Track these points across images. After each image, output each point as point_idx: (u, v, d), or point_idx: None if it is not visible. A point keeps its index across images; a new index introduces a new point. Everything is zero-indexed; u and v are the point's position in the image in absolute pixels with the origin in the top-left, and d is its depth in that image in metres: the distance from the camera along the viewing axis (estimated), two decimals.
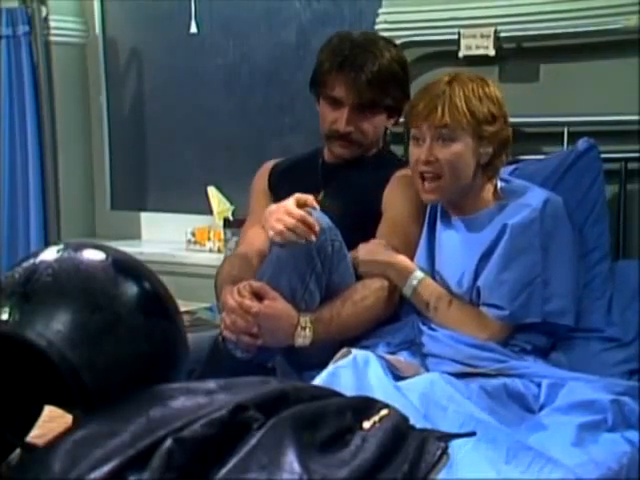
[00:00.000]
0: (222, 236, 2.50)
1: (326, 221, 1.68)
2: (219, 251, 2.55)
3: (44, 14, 2.68)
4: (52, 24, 2.71)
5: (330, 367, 1.43)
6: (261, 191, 2.07)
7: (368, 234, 1.86)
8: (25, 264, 1.10)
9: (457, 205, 1.80)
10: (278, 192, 1.95)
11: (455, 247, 1.78)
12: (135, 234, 2.82)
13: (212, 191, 2.60)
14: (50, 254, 1.11)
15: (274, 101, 2.67)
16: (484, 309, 1.70)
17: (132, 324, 1.06)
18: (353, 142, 1.94)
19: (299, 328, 1.64)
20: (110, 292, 1.07)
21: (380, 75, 1.89)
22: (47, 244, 2.57)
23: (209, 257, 2.55)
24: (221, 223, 2.51)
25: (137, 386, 1.03)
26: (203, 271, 2.53)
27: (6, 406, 1.10)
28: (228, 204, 2.59)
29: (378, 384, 1.38)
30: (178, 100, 2.82)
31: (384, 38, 2.02)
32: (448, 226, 1.81)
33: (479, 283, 1.70)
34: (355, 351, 1.50)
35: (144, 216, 2.85)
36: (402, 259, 1.78)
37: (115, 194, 2.93)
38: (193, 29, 2.55)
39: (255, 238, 1.94)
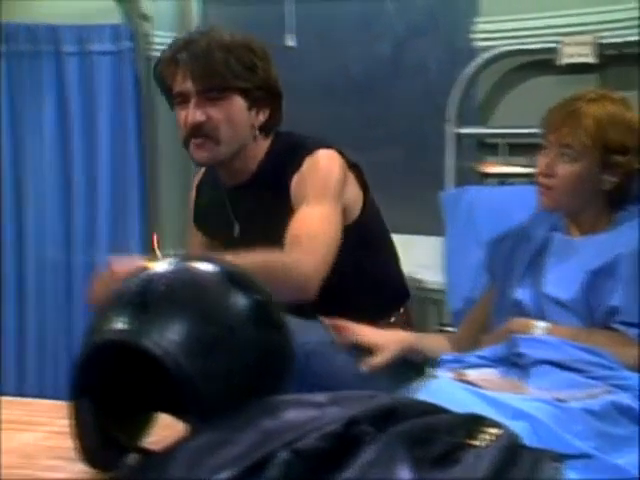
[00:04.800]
0: None
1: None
2: None
3: (147, 30, 2.74)
4: (154, 40, 2.77)
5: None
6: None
7: None
8: (140, 276, 1.13)
9: (576, 222, 1.77)
10: (199, 221, 1.90)
11: (568, 265, 1.74)
12: None
13: None
14: (164, 266, 1.13)
15: (369, 113, 2.67)
16: (621, 327, 1.64)
17: (244, 335, 1.08)
18: (208, 137, 1.69)
19: None
20: (223, 303, 1.09)
21: (216, 52, 1.67)
22: (147, 256, 2.64)
23: None
24: None
25: (248, 397, 1.04)
26: None
27: (120, 411, 1.14)
28: None
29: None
30: None
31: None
32: (563, 245, 1.77)
33: (615, 302, 1.64)
34: (431, 381, 1.46)
35: None
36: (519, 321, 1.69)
37: None
38: (290, 42, 2.57)
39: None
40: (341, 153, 1.77)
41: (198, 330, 1.06)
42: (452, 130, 2.40)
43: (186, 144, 1.72)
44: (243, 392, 1.06)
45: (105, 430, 1.09)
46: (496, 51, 2.31)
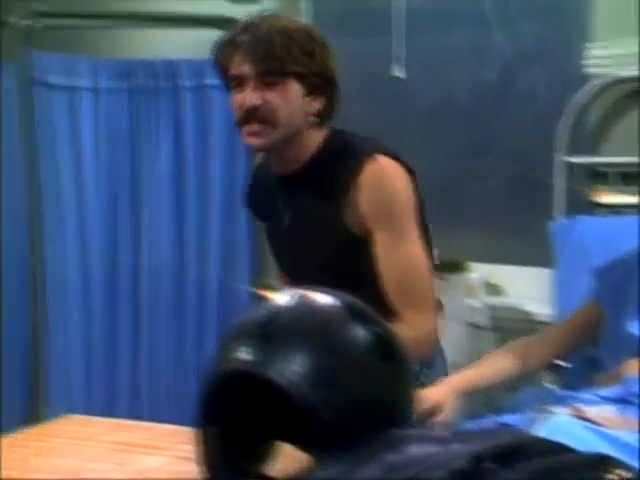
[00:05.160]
0: None
1: None
2: None
3: None
4: None
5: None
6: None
7: (344, 260, 1.67)
8: (263, 307, 1.16)
9: None
10: (252, 206, 1.91)
11: None
12: None
13: None
14: (286, 299, 1.16)
15: (476, 142, 2.66)
16: None
17: (366, 367, 1.09)
18: (263, 121, 1.65)
19: None
20: (344, 335, 1.10)
21: (275, 35, 1.64)
22: (258, 286, 2.70)
23: None
24: None
25: (371, 429, 1.05)
26: None
27: (245, 438, 1.16)
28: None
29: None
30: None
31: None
32: None
33: None
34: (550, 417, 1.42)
35: None
36: None
37: None
38: (398, 73, 2.59)
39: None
40: (398, 159, 1.72)
41: (321, 361, 1.07)
42: (562, 159, 2.36)
43: (239, 127, 1.69)
44: (365, 424, 1.07)
45: (230, 457, 1.12)
46: (608, 78, 2.27)
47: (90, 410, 2.11)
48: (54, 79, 2.51)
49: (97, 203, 2.70)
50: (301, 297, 1.16)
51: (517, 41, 2.58)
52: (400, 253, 1.65)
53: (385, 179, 1.65)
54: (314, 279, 1.57)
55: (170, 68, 2.64)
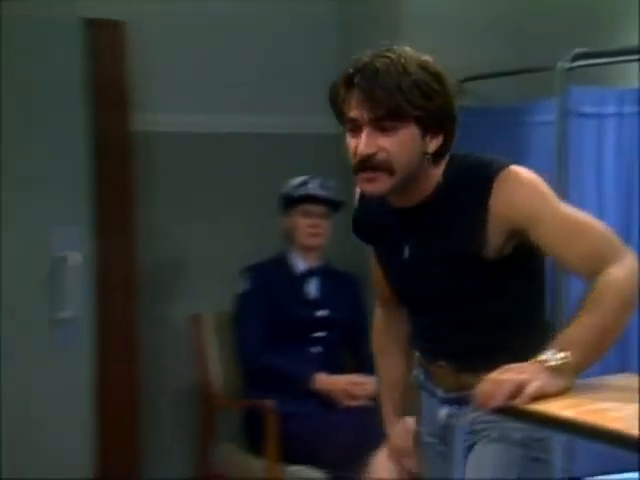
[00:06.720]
0: None
1: None
2: None
3: None
4: None
5: None
6: None
7: (467, 278, 1.68)
8: None
9: None
10: (360, 233, 1.89)
11: None
12: None
13: None
14: None
15: None
16: None
17: None
18: (380, 168, 1.63)
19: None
20: None
21: (391, 77, 1.59)
22: None
23: None
24: None
25: None
26: None
27: None
28: None
29: None
30: None
31: (417, 54, 1.66)
32: None
33: None
34: None
35: None
36: None
37: None
38: None
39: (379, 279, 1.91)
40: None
41: None
42: None
43: (355, 173, 1.67)
44: None
45: None
46: None
47: None
48: (587, 109, 2.87)
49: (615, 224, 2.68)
50: None
51: None
52: (566, 224, 1.61)
53: (520, 178, 1.64)
54: (435, 309, 1.76)
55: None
